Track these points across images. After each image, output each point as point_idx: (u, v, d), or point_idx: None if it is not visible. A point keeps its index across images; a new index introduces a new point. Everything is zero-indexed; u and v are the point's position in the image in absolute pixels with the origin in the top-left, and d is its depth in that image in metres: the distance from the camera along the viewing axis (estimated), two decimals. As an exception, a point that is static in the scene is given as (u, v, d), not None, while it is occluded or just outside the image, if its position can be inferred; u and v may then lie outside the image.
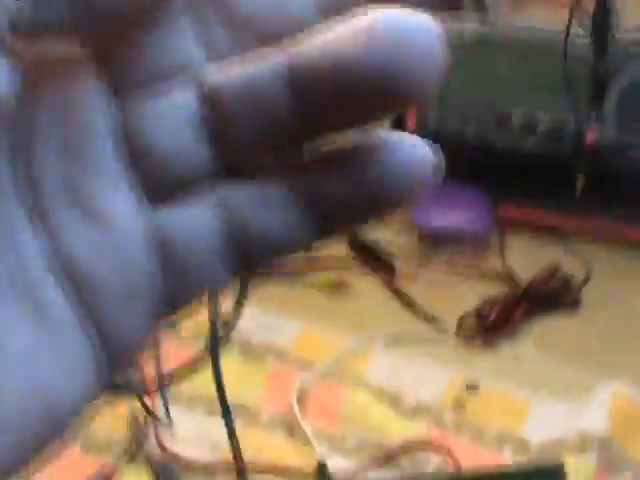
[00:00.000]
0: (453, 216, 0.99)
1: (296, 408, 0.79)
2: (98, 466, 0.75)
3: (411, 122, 0.99)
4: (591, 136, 0.93)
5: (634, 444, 0.76)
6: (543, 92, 0.96)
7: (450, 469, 0.73)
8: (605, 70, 0.90)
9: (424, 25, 0.21)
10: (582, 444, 0.75)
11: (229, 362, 0.83)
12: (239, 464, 0.71)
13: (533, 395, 0.82)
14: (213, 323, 0.79)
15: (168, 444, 0.76)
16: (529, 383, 0.83)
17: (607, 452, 0.75)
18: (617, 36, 0.92)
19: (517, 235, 1.01)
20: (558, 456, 0.74)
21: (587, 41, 0.92)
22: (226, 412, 0.73)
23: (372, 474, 0.74)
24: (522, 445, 0.77)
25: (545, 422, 0.79)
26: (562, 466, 0.68)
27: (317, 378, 0.82)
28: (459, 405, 0.81)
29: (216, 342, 0.78)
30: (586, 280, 0.93)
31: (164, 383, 0.81)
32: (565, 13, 0.95)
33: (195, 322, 0.87)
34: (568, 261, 0.95)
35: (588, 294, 0.93)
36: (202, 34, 0.24)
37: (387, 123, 1.01)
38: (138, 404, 0.79)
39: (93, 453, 0.76)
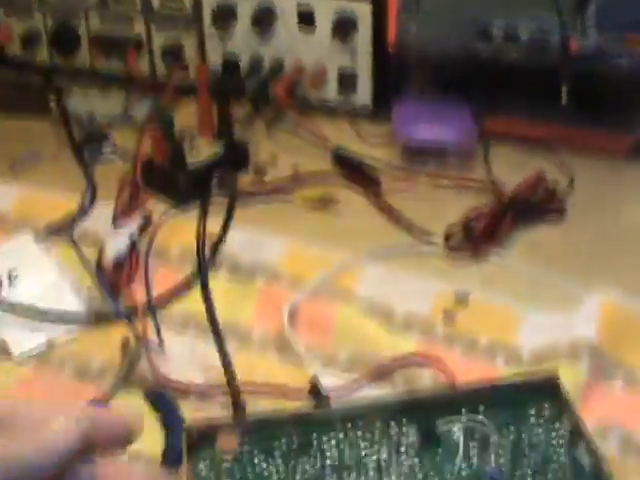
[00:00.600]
0: (437, 129, 0.95)
1: (287, 327, 0.75)
2: (94, 393, 0.71)
3: (392, 36, 0.95)
4: (575, 44, 0.89)
5: (625, 350, 0.74)
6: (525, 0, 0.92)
7: (444, 382, 0.70)
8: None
9: None
10: (573, 352, 0.72)
11: (218, 283, 0.80)
12: (233, 385, 0.68)
13: (523, 305, 0.79)
14: (200, 245, 0.75)
15: (161, 368, 0.73)
16: (518, 293, 0.80)
17: (598, 359, 0.72)
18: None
19: (501, 147, 0.97)
20: (550, 365, 0.71)
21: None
22: (217, 334, 0.70)
23: (365, 390, 0.71)
24: (514, 355, 0.74)
25: (536, 331, 0.76)
26: (556, 376, 0.65)
27: (307, 295, 0.79)
28: (449, 317, 0.77)
29: (204, 264, 0.75)
30: (570, 189, 0.90)
31: (154, 308, 0.78)
32: None
33: (183, 245, 0.84)
34: (553, 171, 0.92)
35: (573, 203, 0.90)
36: None
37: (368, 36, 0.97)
38: (129, 330, 0.76)
39: (87, 381, 0.73)
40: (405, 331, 0.76)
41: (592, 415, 0.67)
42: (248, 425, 0.61)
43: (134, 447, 0.67)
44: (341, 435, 0.62)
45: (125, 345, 0.74)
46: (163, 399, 0.70)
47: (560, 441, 0.62)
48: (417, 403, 0.64)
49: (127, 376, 0.73)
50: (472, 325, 0.77)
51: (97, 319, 0.78)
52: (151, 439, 0.68)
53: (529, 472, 0.60)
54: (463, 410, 0.64)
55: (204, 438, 0.60)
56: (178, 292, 0.80)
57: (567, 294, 0.79)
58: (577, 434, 0.62)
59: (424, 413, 0.63)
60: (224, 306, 0.75)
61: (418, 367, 0.72)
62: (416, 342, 0.76)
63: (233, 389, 0.67)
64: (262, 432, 0.62)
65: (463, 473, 0.60)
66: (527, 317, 0.78)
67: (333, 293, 0.79)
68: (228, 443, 0.60)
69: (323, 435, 0.62)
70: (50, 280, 0.82)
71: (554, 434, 0.62)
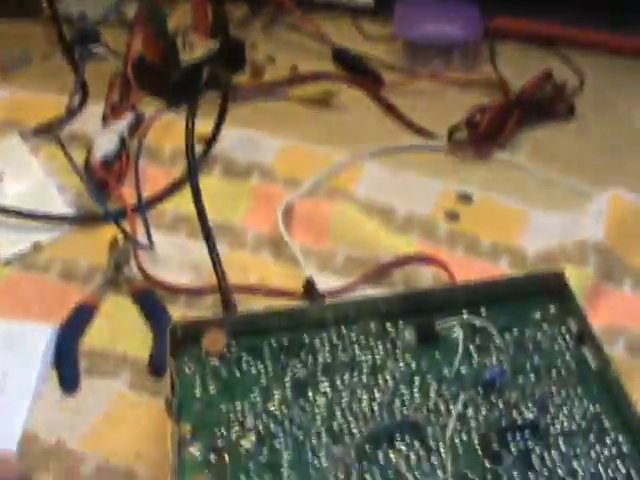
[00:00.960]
0: (440, 25, 0.89)
1: (282, 226, 0.71)
2: (81, 295, 0.67)
3: None
4: None
5: (632, 250, 0.69)
6: None
7: (445, 282, 0.66)
8: None
9: None
10: (580, 253, 0.68)
11: (211, 182, 0.76)
12: (223, 286, 0.64)
13: (529, 205, 0.74)
14: (189, 143, 0.70)
15: (149, 269, 0.68)
16: (524, 193, 0.75)
17: (606, 261, 0.68)
18: None
19: (508, 45, 0.92)
20: (556, 265, 0.66)
21: None
22: (207, 233, 0.65)
23: (363, 290, 0.67)
24: (519, 256, 0.70)
25: (542, 232, 0.72)
26: (562, 274, 0.60)
27: (303, 194, 0.74)
28: (452, 217, 0.73)
29: (193, 163, 0.70)
30: (580, 87, 0.85)
31: (144, 208, 0.73)
32: None
33: (174, 145, 0.79)
34: (562, 70, 0.87)
35: (582, 103, 0.85)
36: None
37: None
38: (118, 231, 0.71)
39: (74, 283, 0.69)
40: (406, 231, 0.72)
41: (599, 318, 0.63)
42: (236, 323, 0.57)
43: (119, 350, 0.64)
44: (334, 335, 0.58)
45: (113, 246, 0.70)
46: (151, 300, 0.66)
47: (566, 343, 0.58)
48: (415, 302, 0.59)
49: (115, 277, 0.69)
50: (475, 225, 0.72)
51: (85, 220, 0.74)
52: (138, 342, 0.64)
53: (532, 373, 0.56)
54: (464, 310, 0.59)
55: (190, 337, 0.56)
56: (169, 192, 0.76)
57: (574, 194, 0.75)
58: (584, 335, 0.58)
59: (422, 312, 0.59)
60: (217, 206, 0.70)
61: (418, 267, 0.68)
62: (417, 242, 0.71)
63: (223, 287, 0.63)
64: (250, 331, 0.57)
65: (462, 372, 0.56)
66: (533, 218, 0.73)
67: (331, 193, 0.75)
68: (215, 342, 0.56)
69: (315, 335, 0.58)
70: (37, 181, 0.77)
71: (559, 336, 0.58)
